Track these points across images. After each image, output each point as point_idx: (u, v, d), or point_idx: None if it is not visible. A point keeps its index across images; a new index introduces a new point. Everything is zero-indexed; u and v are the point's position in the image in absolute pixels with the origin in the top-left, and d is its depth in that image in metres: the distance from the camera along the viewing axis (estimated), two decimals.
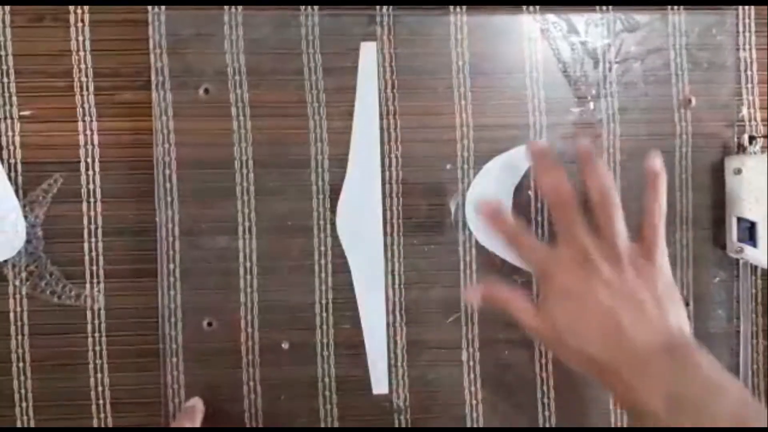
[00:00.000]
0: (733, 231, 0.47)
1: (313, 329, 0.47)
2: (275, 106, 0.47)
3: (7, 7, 0.46)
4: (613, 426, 0.49)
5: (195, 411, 0.45)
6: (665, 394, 0.37)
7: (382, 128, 0.47)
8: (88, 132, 0.46)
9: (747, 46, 0.49)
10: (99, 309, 0.47)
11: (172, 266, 0.46)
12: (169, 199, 0.46)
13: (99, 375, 0.47)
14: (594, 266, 0.41)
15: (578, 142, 0.44)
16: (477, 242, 0.48)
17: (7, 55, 0.46)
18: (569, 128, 0.48)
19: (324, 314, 0.47)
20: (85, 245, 0.47)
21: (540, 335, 0.42)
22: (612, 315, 0.40)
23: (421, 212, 0.48)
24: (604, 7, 0.48)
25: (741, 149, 0.48)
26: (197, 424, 0.44)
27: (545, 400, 0.49)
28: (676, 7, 0.48)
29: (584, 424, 0.49)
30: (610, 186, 0.42)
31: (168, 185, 0.46)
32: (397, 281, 0.48)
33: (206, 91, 0.46)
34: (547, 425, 0.49)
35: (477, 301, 0.44)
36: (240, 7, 0.46)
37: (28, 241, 0.46)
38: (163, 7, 0.46)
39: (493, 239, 0.47)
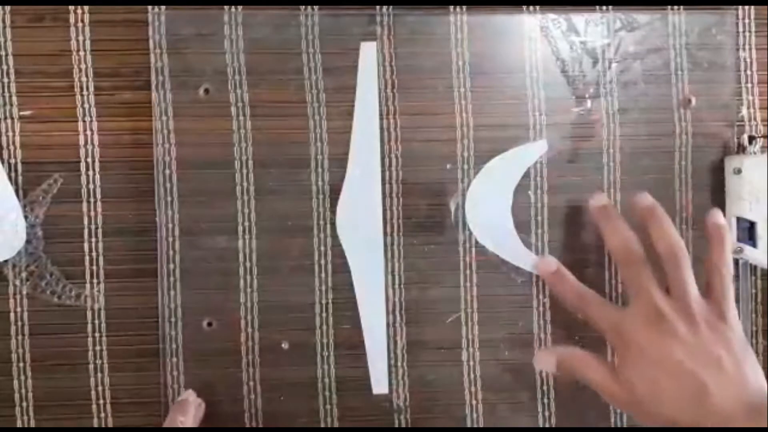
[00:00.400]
0: (732, 231, 0.47)
1: (313, 329, 0.47)
2: (275, 105, 0.47)
3: (7, 7, 0.46)
4: (613, 426, 0.49)
5: (187, 404, 0.45)
6: None
7: (382, 128, 0.47)
8: (88, 132, 0.46)
9: (747, 46, 0.49)
10: (99, 309, 0.47)
11: (172, 266, 0.46)
12: (169, 199, 0.46)
13: (99, 375, 0.47)
14: (670, 326, 0.40)
15: (641, 198, 0.44)
16: (477, 242, 0.48)
17: (7, 55, 0.46)
18: (569, 128, 0.48)
19: (324, 314, 0.47)
20: (85, 245, 0.47)
21: (618, 401, 0.42)
22: (692, 377, 0.39)
23: (421, 212, 0.48)
24: (604, 7, 0.48)
25: (741, 149, 0.48)
26: (191, 416, 0.44)
27: (545, 400, 0.49)
28: (676, 6, 0.48)
29: (584, 424, 0.49)
30: (678, 241, 0.42)
31: (168, 185, 0.46)
32: (397, 281, 0.48)
33: (206, 90, 0.46)
34: (547, 425, 0.49)
35: (552, 368, 0.44)
36: (240, 7, 0.46)
37: (28, 241, 0.46)
38: (163, 7, 0.46)
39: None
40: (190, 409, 0.44)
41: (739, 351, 0.40)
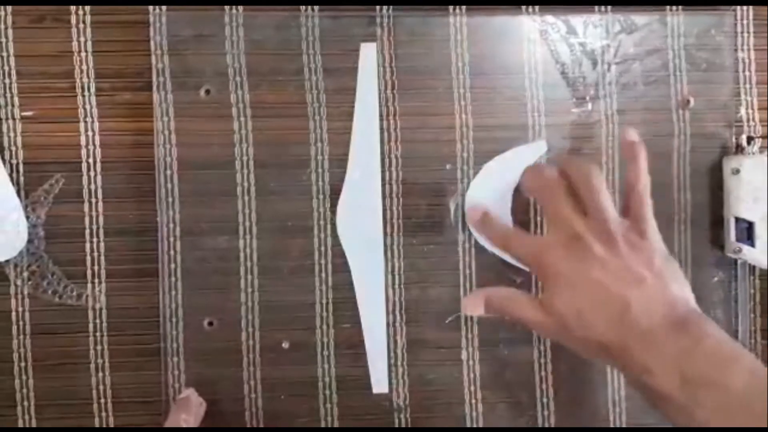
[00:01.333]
0: (731, 231, 0.47)
1: (314, 329, 0.48)
2: (276, 106, 0.47)
3: (9, 8, 0.46)
4: (612, 426, 0.49)
5: (189, 402, 0.45)
6: (679, 371, 0.36)
7: (382, 128, 0.47)
8: (90, 133, 0.47)
9: (745, 47, 0.49)
10: (100, 309, 0.47)
11: (173, 266, 0.47)
12: (170, 199, 0.46)
13: (100, 374, 0.47)
14: (586, 246, 0.39)
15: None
16: (477, 242, 0.48)
17: (8, 56, 0.46)
18: (568, 129, 0.48)
19: (324, 314, 0.48)
20: (87, 245, 0.47)
21: (545, 329, 0.41)
22: (613, 296, 0.38)
23: (421, 212, 0.48)
24: (603, 8, 0.48)
25: (739, 149, 0.48)
26: (193, 414, 0.44)
27: (545, 400, 0.49)
28: (674, 7, 0.48)
29: (584, 424, 0.49)
30: (588, 165, 0.41)
31: (169, 185, 0.46)
32: (397, 281, 0.48)
33: (207, 91, 0.46)
34: (547, 425, 0.49)
35: (480, 311, 0.43)
36: (241, 8, 0.46)
37: (29, 241, 0.46)
38: (164, 8, 0.46)
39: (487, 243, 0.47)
40: (192, 407, 0.44)
41: (661, 266, 0.39)
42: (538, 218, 0.48)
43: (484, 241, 0.47)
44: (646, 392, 0.38)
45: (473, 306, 0.43)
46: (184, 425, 0.43)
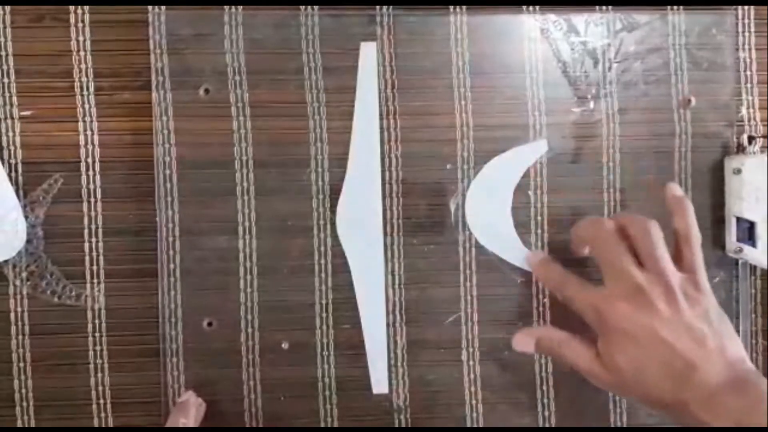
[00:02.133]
0: (732, 231, 0.47)
1: (313, 329, 0.48)
2: (275, 106, 0.47)
3: (8, 7, 0.46)
4: (612, 426, 0.49)
5: (188, 405, 0.45)
6: (734, 426, 0.37)
7: (382, 128, 0.47)
8: (89, 132, 0.46)
9: (746, 46, 0.49)
10: (99, 309, 0.47)
11: (172, 266, 0.47)
12: (169, 199, 0.46)
13: (99, 375, 0.47)
14: (649, 301, 0.40)
15: None
16: (477, 242, 0.48)
17: (7, 56, 0.46)
18: (569, 128, 0.48)
19: (324, 314, 0.48)
20: (86, 245, 0.47)
21: (600, 380, 0.41)
22: (678, 356, 0.39)
23: (421, 212, 0.48)
24: (604, 7, 0.48)
25: (740, 149, 0.48)
26: (192, 417, 0.44)
27: (545, 400, 0.49)
28: (675, 7, 0.48)
29: (584, 424, 0.49)
30: (646, 219, 0.42)
31: (168, 185, 0.46)
32: (397, 281, 0.48)
33: (206, 91, 0.46)
34: (547, 425, 0.49)
35: (530, 349, 0.44)
36: (240, 7, 0.46)
37: (28, 241, 0.46)
38: (163, 8, 0.46)
39: (493, 243, 0.48)
40: (191, 410, 0.44)
41: (717, 322, 0.40)
42: (538, 218, 0.48)
43: (484, 241, 0.47)
44: None
45: (523, 344, 0.44)
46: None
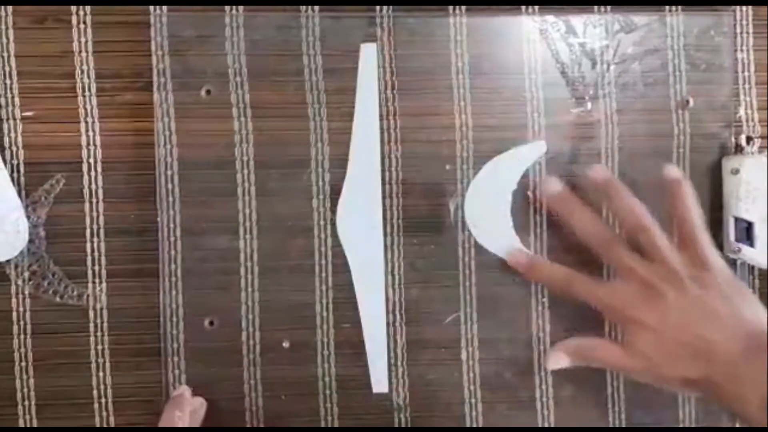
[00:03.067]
0: (730, 231, 0.47)
1: (314, 329, 0.48)
2: (276, 106, 0.47)
3: (10, 9, 0.46)
4: (612, 426, 0.49)
5: (182, 399, 0.45)
6: (759, 396, 0.38)
7: (382, 129, 0.47)
8: (91, 133, 0.47)
9: (745, 47, 0.49)
10: (101, 308, 0.47)
11: (173, 266, 0.47)
12: (170, 199, 0.47)
13: (101, 374, 0.47)
14: (658, 293, 0.41)
15: (591, 170, 0.45)
16: (476, 242, 0.48)
17: (9, 57, 0.46)
18: (568, 129, 0.48)
19: (324, 314, 0.48)
20: (88, 245, 0.47)
21: (636, 373, 0.42)
22: (694, 335, 0.40)
23: (421, 212, 0.48)
24: (602, 8, 0.48)
25: (738, 150, 0.48)
26: (187, 412, 0.44)
27: (544, 400, 0.49)
28: (674, 8, 0.48)
29: (583, 424, 0.49)
30: (640, 207, 0.43)
31: (170, 186, 0.46)
32: (397, 281, 0.48)
33: (208, 92, 0.47)
34: (546, 425, 0.49)
35: (565, 364, 0.44)
36: (241, 9, 0.46)
37: (30, 241, 0.46)
38: (164, 9, 0.46)
39: (493, 240, 0.48)
40: (186, 404, 0.44)
41: (730, 293, 0.41)
42: (538, 218, 0.48)
43: (484, 241, 0.48)
44: (740, 418, 0.40)
45: (556, 361, 0.44)
46: (179, 423, 0.43)
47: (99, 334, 0.47)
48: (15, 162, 0.46)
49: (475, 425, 0.48)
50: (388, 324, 0.48)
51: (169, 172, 0.46)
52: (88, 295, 0.47)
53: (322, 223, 0.47)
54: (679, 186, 0.44)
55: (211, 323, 0.47)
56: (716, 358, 0.39)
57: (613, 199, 0.44)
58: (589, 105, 0.48)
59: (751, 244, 0.47)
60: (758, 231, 0.47)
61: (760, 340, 0.39)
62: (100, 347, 0.47)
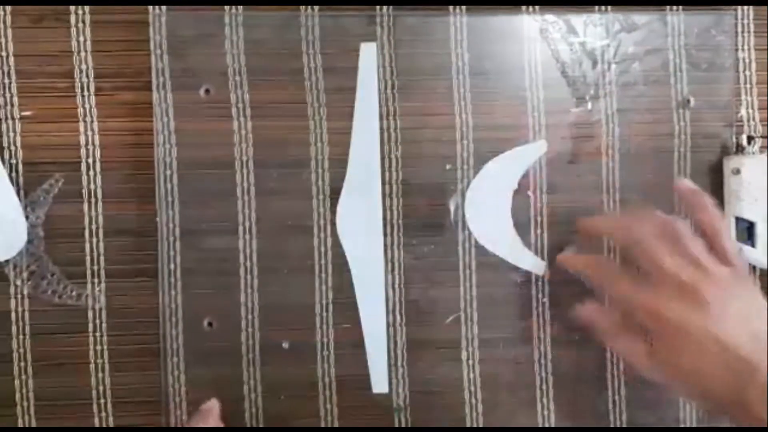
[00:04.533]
0: (731, 231, 0.47)
1: (314, 329, 0.48)
2: (276, 106, 0.47)
3: (8, 8, 0.46)
4: (612, 426, 0.49)
5: (208, 414, 0.45)
6: None
7: (382, 128, 0.47)
8: (89, 132, 0.47)
9: (746, 47, 0.49)
10: (100, 309, 0.47)
11: (172, 266, 0.47)
12: (169, 199, 0.46)
13: (100, 374, 0.47)
14: (702, 300, 0.40)
15: (677, 182, 0.45)
16: (476, 242, 0.48)
17: (8, 56, 0.46)
18: (568, 128, 0.48)
19: (324, 314, 0.48)
20: (86, 245, 0.47)
21: (657, 377, 0.41)
22: (735, 356, 0.38)
23: (421, 212, 0.48)
24: (603, 8, 0.48)
25: (740, 149, 0.48)
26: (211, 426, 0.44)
27: (544, 400, 0.49)
28: (674, 7, 0.48)
29: (584, 424, 0.49)
30: (720, 218, 0.42)
31: (169, 185, 0.46)
32: (397, 281, 0.48)
33: (207, 91, 0.46)
34: (547, 425, 0.49)
35: (576, 267, 0.44)
36: (240, 8, 0.46)
37: (29, 241, 0.46)
38: (164, 8, 0.46)
39: (495, 242, 0.48)
40: (212, 420, 0.44)
41: (760, 305, 0.40)
42: (538, 218, 0.48)
43: (484, 241, 0.48)
44: None
45: (571, 261, 0.45)
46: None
47: (98, 334, 0.47)
48: (13, 162, 0.46)
49: (475, 425, 0.48)
50: (388, 324, 0.48)
51: (168, 172, 0.46)
52: (87, 296, 0.47)
53: (322, 223, 0.47)
54: (699, 196, 0.43)
55: (210, 324, 0.47)
56: (757, 384, 0.38)
57: (697, 211, 0.43)
58: (589, 105, 0.48)
59: (752, 244, 0.47)
60: (759, 231, 0.47)
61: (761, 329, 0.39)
62: (99, 347, 0.47)
